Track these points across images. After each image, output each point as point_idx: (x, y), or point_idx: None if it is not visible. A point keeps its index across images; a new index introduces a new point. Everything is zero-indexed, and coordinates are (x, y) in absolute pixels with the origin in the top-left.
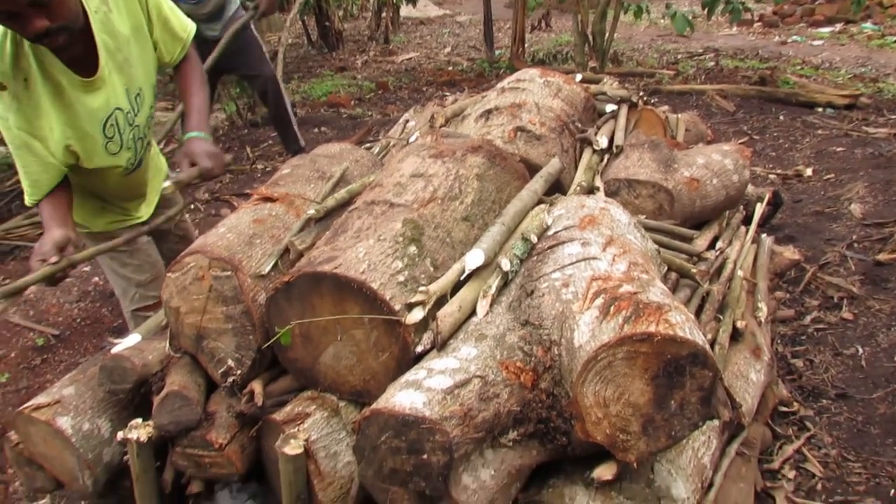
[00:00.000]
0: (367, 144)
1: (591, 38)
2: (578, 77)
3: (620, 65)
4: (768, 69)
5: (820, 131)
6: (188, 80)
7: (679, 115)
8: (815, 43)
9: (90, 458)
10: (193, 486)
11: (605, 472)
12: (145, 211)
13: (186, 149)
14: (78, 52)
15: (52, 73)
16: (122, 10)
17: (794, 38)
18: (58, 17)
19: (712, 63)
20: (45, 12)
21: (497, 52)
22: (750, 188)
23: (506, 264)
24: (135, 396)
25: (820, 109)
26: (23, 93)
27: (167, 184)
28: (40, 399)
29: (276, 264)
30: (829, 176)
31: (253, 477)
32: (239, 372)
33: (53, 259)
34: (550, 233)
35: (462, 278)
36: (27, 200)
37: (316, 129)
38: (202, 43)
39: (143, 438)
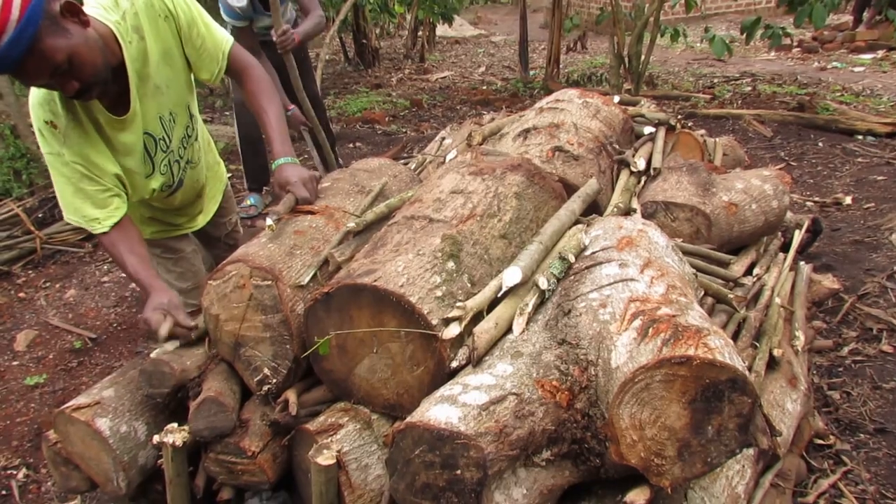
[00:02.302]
0: (402, 160)
1: (626, 60)
2: (616, 99)
3: (656, 87)
4: (807, 95)
5: (860, 159)
6: (256, 97)
7: (717, 140)
8: (856, 69)
9: (126, 460)
10: (224, 493)
11: (637, 496)
12: (202, 220)
13: (279, 177)
14: (113, 90)
15: (94, 112)
16: (153, 35)
17: (834, 64)
18: (84, 77)
19: (749, 88)
20: (70, 76)
21: (531, 73)
22: (788, 215)
23: (543, 283)
24: (172, 401)
25: (860, 137)
26: (73, 130)
27: (269, 222)
28: (80, 399)
29: (315, 275)
30: (869, 205)
31: (283, 486)
32: (275, 381)
33: (192, 323)
34: (588, 253)
35: (499, 295)
36: (98, 229)
37: (351, 145)
38: (267, 45)
39: (179, 443)
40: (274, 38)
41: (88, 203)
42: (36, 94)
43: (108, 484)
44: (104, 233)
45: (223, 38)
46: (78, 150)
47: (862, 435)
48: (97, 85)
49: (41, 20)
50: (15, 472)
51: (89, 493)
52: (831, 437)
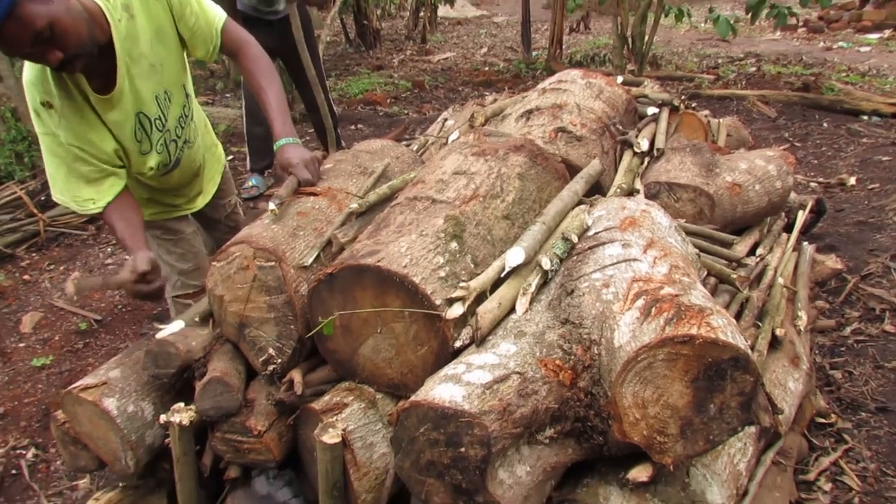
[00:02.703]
0: (404, 142)
1: (630, 40)
2: (620, 79)
3: (659, 68)
4: (812, 75)
5: (865, 140)
6: (254, 76)
7: (721, 120)
8: (862, 49)
9: (133, 440)
10: (231, 472)
11: (640, 473)
12: (201, 201)
13: (280, 159)
14: (101, 68)
15: (84, 89)
16: (144, 14)
17: (840, 44)
18: (68, 47)
19: (754, 68)
20: (53, 45)
21: (534, 54)
22: (792, 195)
23: (546, 263)
24: (177, 381)
25: (865, 117)
26: (68, 109)
27: (272, 206)
28: (88, 380)
29: (318, 256)
30: (873, 185)
31: (289, 465)
32: (279, 361)
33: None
34: (591, 233)
35: (502, 275)
36: (93, 208)
37: (353, 127)
38: (265, 25)
39: (185, 422)
40: None
41: (82, 183)
42: (29, 74)
43: (117, 463)
44: (99, 212)
45: (216, 15)
46: (74, 129)
47: (863, 413)
48: (81, 57)
49: None
50: (24, 452)
51: (98, 471)
52: (833, 415)
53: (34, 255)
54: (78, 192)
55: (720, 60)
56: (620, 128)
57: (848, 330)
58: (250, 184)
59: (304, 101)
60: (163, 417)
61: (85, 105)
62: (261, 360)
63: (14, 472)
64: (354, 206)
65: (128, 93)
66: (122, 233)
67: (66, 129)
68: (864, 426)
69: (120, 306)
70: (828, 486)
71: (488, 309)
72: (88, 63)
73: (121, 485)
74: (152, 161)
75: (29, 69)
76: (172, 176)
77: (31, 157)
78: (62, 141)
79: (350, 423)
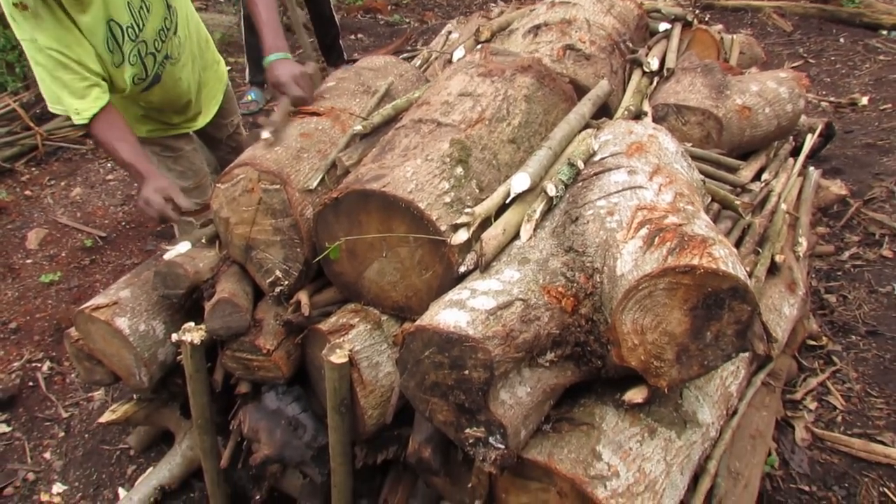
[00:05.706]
0: (406, 54)
1: None
2: None
3: None
4: None
5: (882, 57)
6: None
7: (734, 37)
8: None
9: (146, 357)
10: (242, 387)
11: (635, 395)
12: (201, 120)
13: (270, 77)
14: None
15: None
16: None
17: None
18: None
19: None
20: None
21: None
22: (802, 118)
23: (551, 189)
24: (187, 301)
25: (885, 33)
26: (43, 10)
27: (266, 135)
28: (99, 300)
29: (323, 179)
30: (886, 106)
31: (297, 381)
32: (286, 282)
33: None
34: (597, 158)
35: (507, 201)
36: (78, 120)
37: (352, 36)
38: None
39: (196, 341)
40: None
41: (66, 92)
42: None
43: (131, 378)
44: (85, 124)
45: None
46: (50, 31)
47: (854, 336)
48: None
49: None
50: (39, 365)
51: (113, 385)
52: (824, 338)
53: (34, 169)
54: (65, 101)
55: None
56: (630, 45)
57: (846, 254)
58: (249, 98)
59: (310, 13)
60: (174, 336)
61: (56, 6)
62: (268, 281)
63: (31, 384)
64: (358, 127)
65: None
66: (128, 154)
67: (42, 32)
68: (853, 349)
69: (123, 223)
70: (813, 405)
71: (493, 235)
72: None
73: (135, 397)
74: (126, 74)
75: None
76: (152, 93)
77: (23, 67)
78: (41, 45)
79: (356, 344)
